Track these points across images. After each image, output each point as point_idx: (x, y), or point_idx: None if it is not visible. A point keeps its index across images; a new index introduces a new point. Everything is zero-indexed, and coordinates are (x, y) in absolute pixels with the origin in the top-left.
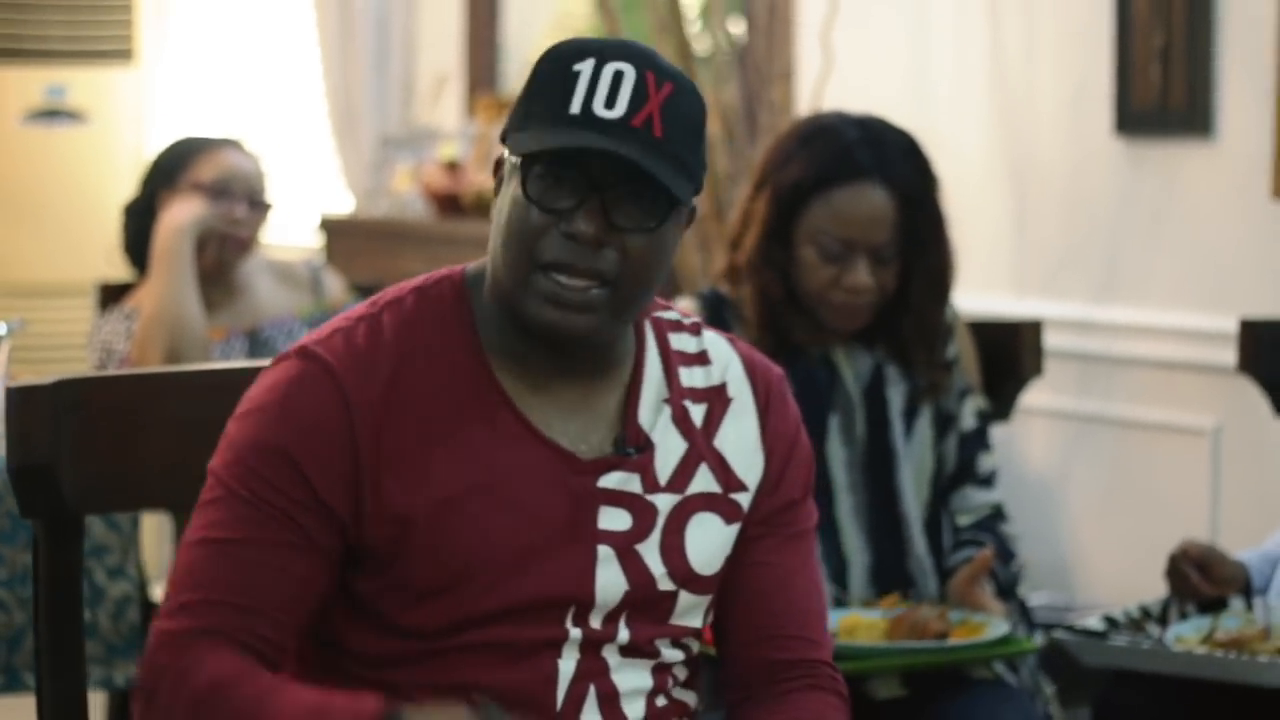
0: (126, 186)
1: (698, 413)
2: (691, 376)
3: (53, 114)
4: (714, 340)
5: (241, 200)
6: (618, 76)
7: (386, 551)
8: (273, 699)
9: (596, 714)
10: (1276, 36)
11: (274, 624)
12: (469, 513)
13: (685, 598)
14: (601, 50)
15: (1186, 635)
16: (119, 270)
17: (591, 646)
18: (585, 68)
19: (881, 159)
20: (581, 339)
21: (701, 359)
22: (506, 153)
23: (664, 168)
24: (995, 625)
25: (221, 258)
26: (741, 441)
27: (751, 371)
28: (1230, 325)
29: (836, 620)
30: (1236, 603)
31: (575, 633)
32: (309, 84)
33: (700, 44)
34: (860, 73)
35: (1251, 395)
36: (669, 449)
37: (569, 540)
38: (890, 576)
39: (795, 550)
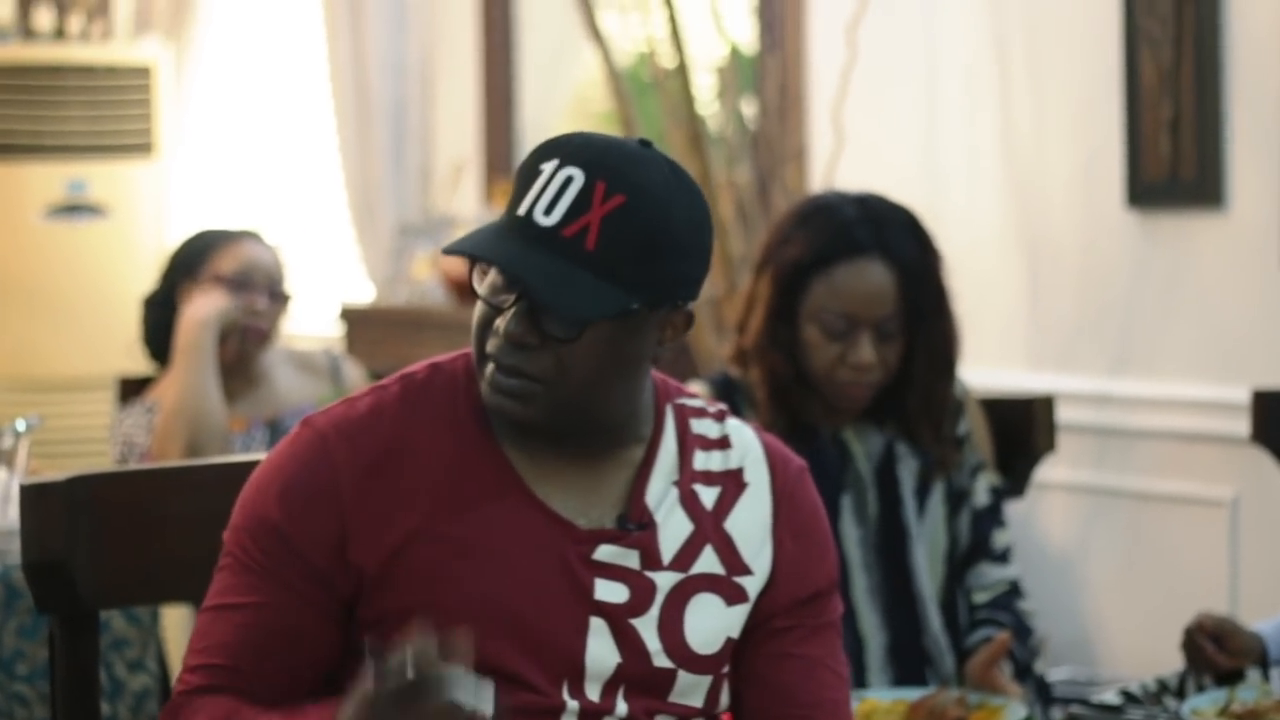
0: (147, 280)
1: (709, 496)
2: (709, 460)
3: (74, 209)
4: (738, 428)
5: (262, 292)
6: (566, 182)
7: (382, 610)
8: None
9: None
10: None
11: (273, 684)
12: (459, 574)
13: (684, 677)
14: (570, 153)
15: (1203, 708)
16: (139, 364)
17: (590, 718)
18: (548, 168)
19: (880, 234)
20: (525, 422)
21: (722, 444)
22: None
23: (575, 279)
24: (1013, 710)
25: (243, 349)
26: (752, 526)
27: (772, 460)
28: (1244, 396)
29: (854, 704)
30: (1253, 674)
31: (573, 704)
32: (327, 174)
33: (713, 125)
34: (872, 151)
35: (1268, 465)
36: (674, 528)
37: (561, 607)
38: (907, 655)
39: (822, 641)
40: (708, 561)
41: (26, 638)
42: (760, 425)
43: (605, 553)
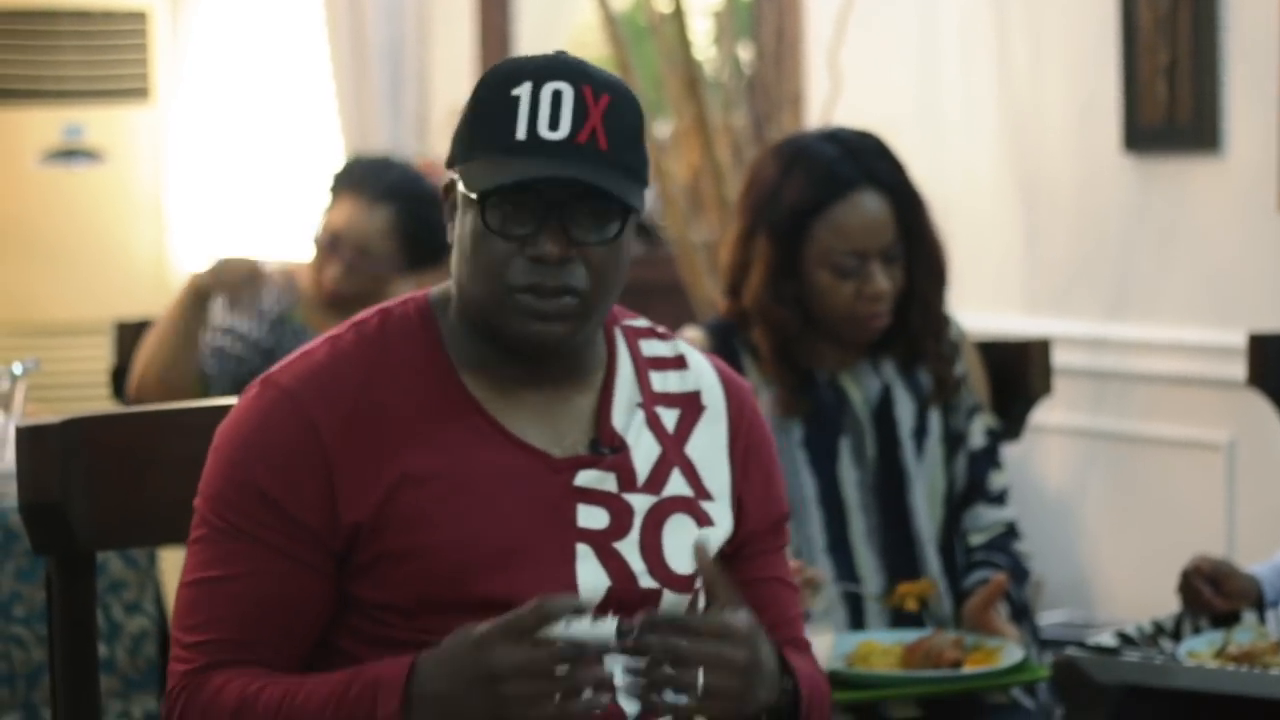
0: (143, 225)
1: (670, 418)
2: (665, 381)
3: (70, 154)
4: (687, 348)
5: (342, 258)
6: (557, 96)
7: (376, 555)
8: (296, 694)
9: None
10: None
11: (276, 648)
12: (447, 514)
13: (669, 596)
14: (537, 71)
15: (1199, 650)
16: (136, 308)
17: None
18: (523, 91)
19: (863, 165)
20: (562, 345)
21: (678, 363)
22: (459, 183)
23: (613, 178)
24: (1010, 651)
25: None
26: (710, 450)
27: (727, 384)
28: (1240, 339)
29: (852, 646)
30: (1249, 616)
31: None
32: (324, 118)
33: (710, 70)
34: (869, 95)
35: (1264, 409)
36: (644, 451)
37: (548, 538)
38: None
39: (780, 561)
40: (676, 484)
41: (24, 580)
42: (765, 377)
43: (585, 478)
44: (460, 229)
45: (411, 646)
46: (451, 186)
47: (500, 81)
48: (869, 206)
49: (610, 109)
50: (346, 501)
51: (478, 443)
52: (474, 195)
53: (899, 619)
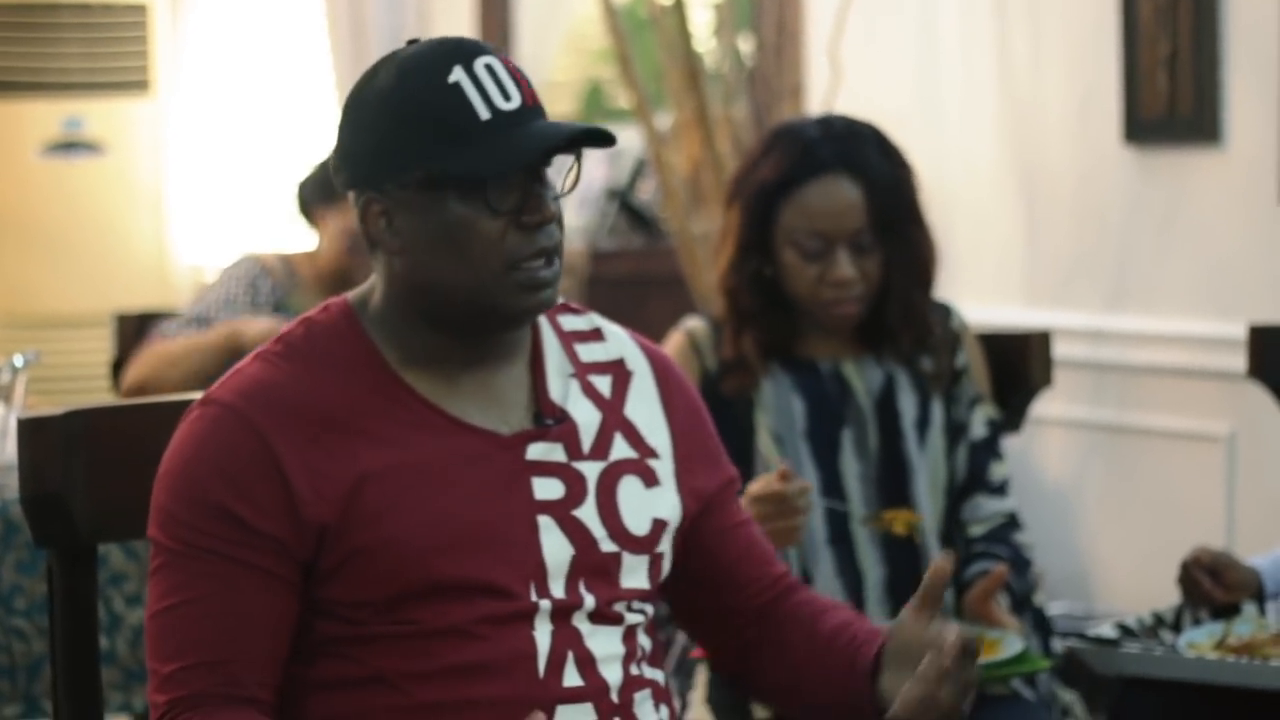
0: (144, 217)
1: (603, 384)
2: (590, 352)
3: (70, 146)
4: (602, 320)
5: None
6: (490, 70)
7: (342, 559)
8: None
9: (578, 678)
10: None
11: (253, 665)
12: (411, 504)
13: (627, 558)
14: (453, 55)
15: (1199, 641)
16: (136, 300)
17: (562, 616)
18: (459, 76)
19: (842, 150)
20: (549, 307)
21: (596, 335)
22: (409, 186)
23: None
24: (1010, 642)
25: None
26: (647, 412)
27: (646, 350)
28: (1241, 331)
29: None
30: (1249, 608)
31: (545, 604)
32: (324, 111)
33: (710, 62)
34: (869, 86)
35: (1264, 401)
36: (584, 418)
37: (510, 514)
38: (905, 590)
39: (740, 507)
40: (621, 448)
41: (25, 572)
42: (721, 362)
43: (535, 451)
44: (426, 226)
45: (388, 639)
46: (372, 202)
47: (425, 76)
48: (838, 190)
49: (520, 68)
50: (308, 507)
51: (427, 432)
52: (449, 183)
53: (899, 612)
